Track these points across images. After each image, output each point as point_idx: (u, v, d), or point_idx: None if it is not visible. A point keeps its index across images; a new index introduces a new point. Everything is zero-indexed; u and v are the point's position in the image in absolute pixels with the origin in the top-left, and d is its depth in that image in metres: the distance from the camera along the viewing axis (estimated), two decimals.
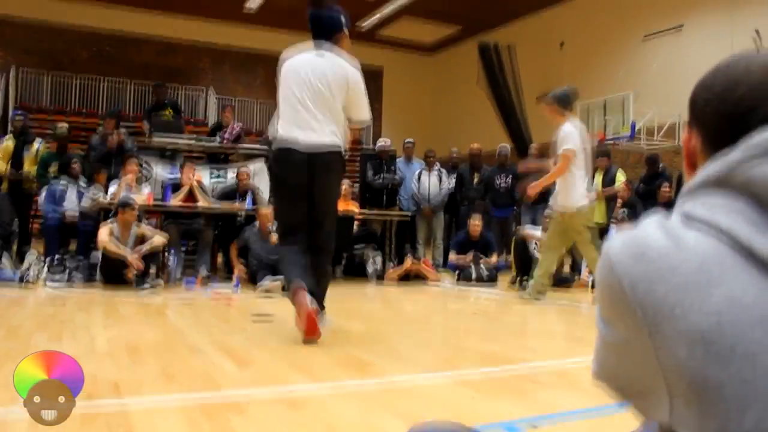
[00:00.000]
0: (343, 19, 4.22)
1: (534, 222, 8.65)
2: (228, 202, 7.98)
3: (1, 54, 15.63)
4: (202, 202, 7.63)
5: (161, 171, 8.88)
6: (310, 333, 3.55)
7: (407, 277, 7.97)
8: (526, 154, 10.95)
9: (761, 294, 0.62)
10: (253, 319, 4.61)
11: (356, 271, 8.22)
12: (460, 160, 10.90)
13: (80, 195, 7.68)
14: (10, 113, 11.59)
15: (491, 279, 8.03)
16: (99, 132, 8.87)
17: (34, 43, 15.85)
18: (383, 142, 10.04)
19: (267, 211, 7.25)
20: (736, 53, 0.82)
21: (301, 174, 3.95)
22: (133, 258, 6.30)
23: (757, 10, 11.39)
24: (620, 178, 9.15)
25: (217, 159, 9.53)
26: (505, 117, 14.91)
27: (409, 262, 7.94)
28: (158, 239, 6.69)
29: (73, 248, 7.63)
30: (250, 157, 9.47)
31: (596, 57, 14.56)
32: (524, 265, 7.65)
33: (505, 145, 10.41)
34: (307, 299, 3.56)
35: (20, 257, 7.32)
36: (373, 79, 18.74)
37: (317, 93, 4.01)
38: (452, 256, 8.56)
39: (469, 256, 8.24)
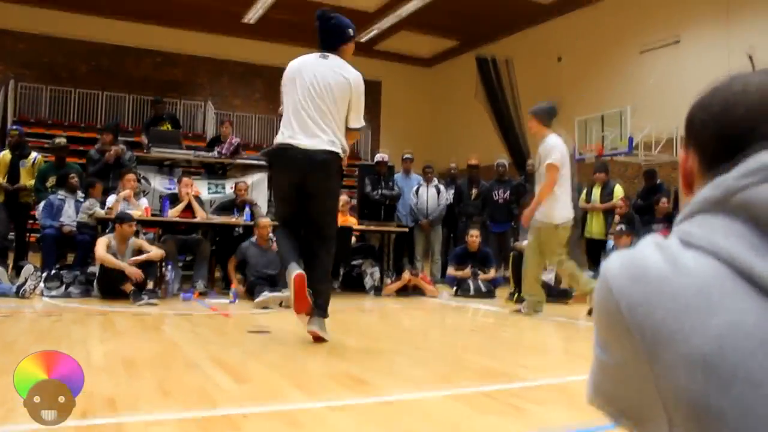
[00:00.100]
0: (350, 31, 4.33)
1: None
2: (226, 216, 7.98)
3: (0, 67, 15.66)
4: (200, 216, 7.63)
5: (159, 184, 8.89)
6: (298, 308, 3.91)
7: (405, 291, 7.96)
8: (524, 168, 10.98)
9: (762, 319, 0.61)
10: (250, 330, 4.60)
11: (354, 285, 8.21)
12: (459, 174, 10.92)
13: (78, 208, 7.68)
14: (8, 126, 11.61)
15: (489, 293, 8.02)
16: (97, 146, 8.88)
17: (33, 56, 15.89)
18: (381, 155, 10.06)
19: (266, 222, 7.25)
20: (732, 73, 0.82)
21: (296, 173, 4.08)
22: (132, 269, 6.30)
23: (753, 23, 11.45)
24: (618, 192, 9.17)
25: (215, 172, 9.53)
26: (503, 130, 14.97)
27: (407, 275, 7.92)
28: (156, 252, 6.70)
29: (70, 261, 7.62)
30: (248, 170, 9.48)
31: (594, 71, 14.61)
32: (522, 280, 7.63)
33: (503, 160, 10.43)
34: (298, 276, 3.87)
35: (17, 270, 7.31)
36: (371, 91, 18.76)
37: (319, 97, 4.11)
38: (450, 270, 8.55)
39: (467, 270, 8.23)
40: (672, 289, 0.65)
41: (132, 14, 16.12)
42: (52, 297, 6.39)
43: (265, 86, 18.21)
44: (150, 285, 6.46)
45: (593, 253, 9.37)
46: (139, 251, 6.58)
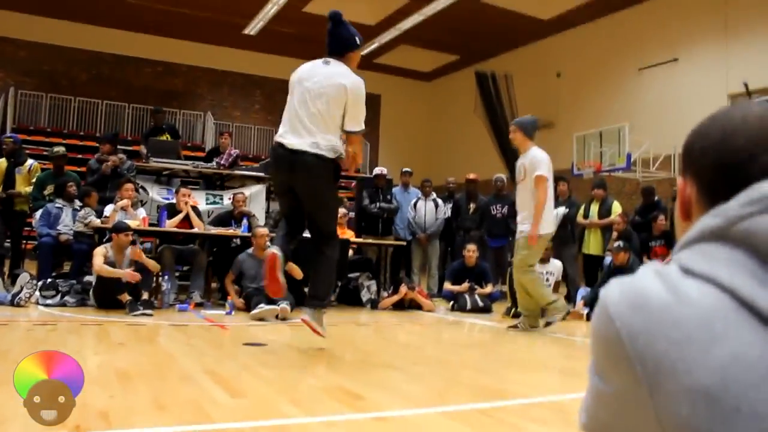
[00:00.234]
0: (358, 39, 4.49)
1: None
2: (223, 227, 7.97)
3: (1, 74, 15.68)
4: (197, 227, 7.62)
5: (157, 194, 8.88)
6: (269, 288, 4.22)
7: (402, 305, 7.94)
8: None
9: (766, 351, 0.61)
10: (245, 343, 4.58)
11: (350, 298, 8.19)
12: (457, 189, 10.93)
13: (75, 216, 7.67)
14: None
15: (486, 309, 8.00)
16: (97, 155, 8.89)
17: (33, 64, 15.92)
18: (380, 169, 10.09)
19: (263, 231, 7.24)
20: (731, 103, 0.82)
21: (283, 171, 4.30)
22: (129, 273, 6.30)
23: (751, 43, 11.52)
24: (616, 209, 9.18)
25: (213, 183, 9.53)
26: (501, 146, 14.98)
27: (403, 290, 7.90)
28: (152, 262, 6.71)
29: (66, 269, 7.60)
30: (246, 181, 9.48)
31: (592, 87, 14.68)
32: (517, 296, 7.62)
33: (501, 175, 10.44)
34: (271, 255, 4.17)
35: (12, 278, 7.28)
36: (370, 105, 18.79)
37: (312, 100, 4.26)
38: (447, 285, 8.54)
39: (464, 285, 8.22)
40: (674, 318, 0.65)
41: (133, 24, 16.18)
42: (47, 306, 6.37)
43: (264, 98, 18.26)
44: (146, 295, 6.44)
45: (590, 269, 9.37)
46: (136, 262, 6.58)
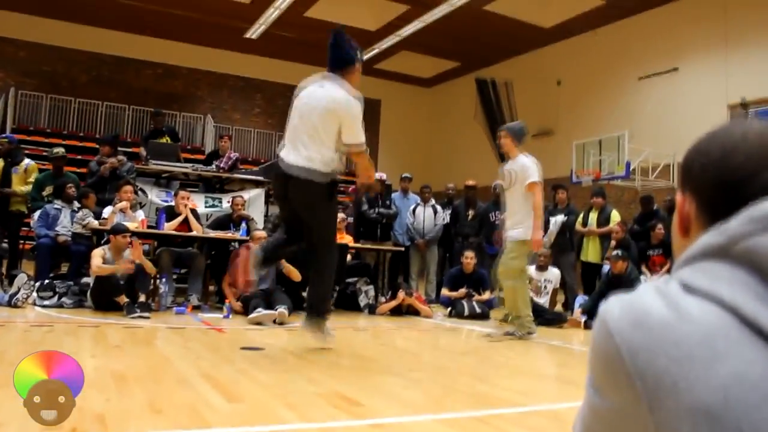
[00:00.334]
0: (357, 54, 4.62)
1: None
2: (222, 230, 7.97)
3: (1, 75, 15.68)
4: (196, 230, 7.62)
5: (155, 197, 8.88)
6: (239, 282, 4.73)
7: (399, 311, 7.93)
8: None
9: (767, 371, 0.61)
10: (243, 347, 4.58)
11: (348, 303, 8.18)
12: (456, 195, 10.93)
13: (74, 218, 7.67)
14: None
15: (483, 315, 8.00)
16: (98, 157, 8.90)
17: (33, 65, 15.92)
18: (379, 174, 10.08)
19: (261, 234, 7.25)
20: (731, 121, 0.82)
21: (279, 186, 4.57)
22: (124, 265, 6.33)
23: (751, 53, 11.55)
24: (615, 217, 9.20)
25: (212, 186, 9.53)
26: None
27: (401, 295, 7.90)
28: (149, 264, 6.72)
29: (64, 271, 7.59)
30: (245, 185, 9.49)
31: (592, 95, 14.70)
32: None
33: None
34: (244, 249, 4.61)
35: (9, 279, 7.27)
36: (370, 110, 18.87)
37: (306, 121, 4.44)
38: (445, 291, 8.54)
39: (462, 291, 8.22)
40: (675, 335, 0.64)
41: (134, 26, 16.19)
42: (44, 307, 6.36)
43: (264, 101, 18.28)
44: (143, 298, 6.44)
45: (588, 277, 9.38)
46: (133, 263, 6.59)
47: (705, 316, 0.65)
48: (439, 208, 10.10)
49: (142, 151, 9.64)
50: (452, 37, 15.58)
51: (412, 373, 4.13)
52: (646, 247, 8.86)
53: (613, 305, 0.71)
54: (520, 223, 6.03)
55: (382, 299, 8.35)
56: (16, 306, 6.18)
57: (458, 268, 8.58)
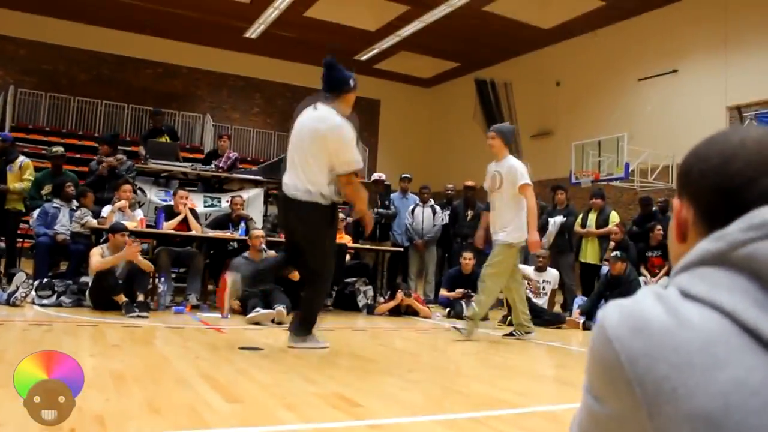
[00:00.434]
0: (352, 82, 4.70)
1: (526, 260, 8.64)
2: (221, 231, 7.97)
3: (0, 73, 15.67)
4: (195, 229, 7.62)
5: (154, 196, 8.88)
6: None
7: (398, 311, 7.93)
8: None
9: (767, 378, 0.61)
10: (241, 347, 4.58)
11: (347, 303, 8.18)
12: (455, 195, 10.94)
13: (73, 217, 7.66)
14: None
15: (483, 316, 7.98)
16: (98, 157, 8.89)
17: (33, 64, 15.92)
18: (378, 175, 10.10)
19: (259, 233, 7.25)
20: (729, 127, 0.82)
21: (280, 209, 4.91)
22: (125, 251, 6.35)
23: (751, 54, 11.56)
24: (614, 219, 9.21)
25: (211, 186, 9.53)
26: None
27: (400, 296, 7.90)
28: (146, 262, 6.71)
29: (63, 269, 7.58)
30: (244, 184, 9.48)
31: (591, 96, 14.71)
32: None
33: (485, 184, 10.44)
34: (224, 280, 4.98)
35: (8, 278, 7.27)
36: (370, 111, 18.88)
37: (299, 145, 4.62)
38: (443, 292, 8.53)
39: (461, 291, 8.22)
40: (675, 342, 0.64)
41: (133, 25, 16.19)
42: (43, 306, 6.36)
43: (264, 101, 18.28)
44: (141, 297, 6.43)
45: (587, 277, 9.39)
46: (132, 262, 6.57)
47: (705, 322, 0.65)
48: (437, 208, 10.10)
49: (142, 150, 9.63)
50: (452, 37, 15.58)
51: (411, 374, 4.14)
52: (645, 248, 8.87)
53: (612, 311, 0.71)
54: (507, 226, 5.99)
55: (381, 299, 8.35)
56: (14, 305, 6.17)
57: (457, 269, 8.58)
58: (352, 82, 4.71)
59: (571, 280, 9.34)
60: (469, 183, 10.33)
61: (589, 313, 7.45)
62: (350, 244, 8.79)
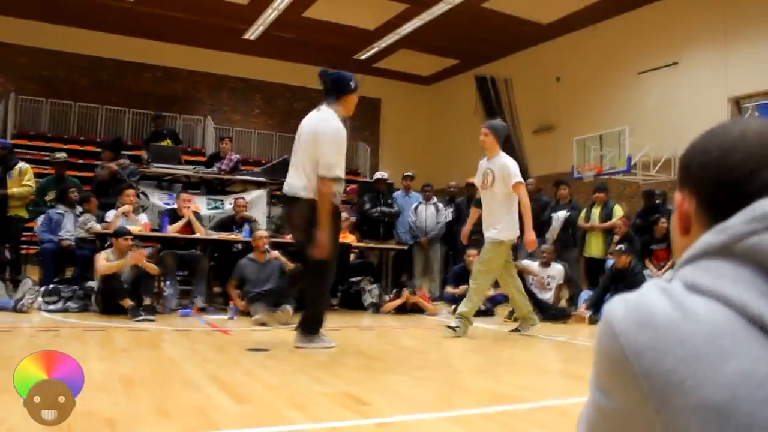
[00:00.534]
0: (353, 83, 4.77)
1: (531, 256, 8.64)
2: (225, 233, 7.98)
3: (1, 80, 15.70)
4: (199, 232, 7.63)
5: (158, 199, 8.89)
6: None
7: (404, 309, 7.94)
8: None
9: None
10: (249, 348, 4.59)
11: (353, 303, 8.20)
12: (458, 193, 10.94)
13: (77, 222, 7.68)
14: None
15: (488, 312, 8.00)
16: (102, 163, 8.91)
17: (33, 70, 15.93)
18: (380, 173, 10.10)
19: (262, 233, 7.27)
20: (729, 119, 0.82)
21: (284, 209, 5.21)
22: (131, 256, 6.35)
23: (751, 46, 11.53)
24: (617, 212, 9.20)
25: (214, 188, 9.54)
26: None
27: (405, 294, 7.91)
28: (151, 266, 6.73)
29: (69, 275, 7.60)
30: (247, 186, 9.49)
31: (592, 91, 14.68)
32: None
33: (474, 180, 10.44)
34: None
35: (14, 285, 7.28)
36: (371, 110, 18.87)
37: (299, 145, 4.76)
38: (449, 289, 8.54)
39: (464, 288, 8.21)
40: (681, 335, 0.64)
41: (133, 29, 16.18)
42: (50, 312, 6.38)
43: (264, 102, 18.27)
44: (148, 301, 6.45)
45: (592, 271, 9.38)
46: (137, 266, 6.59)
47: (710, 314, 0.65)
48: (441, 205, 10.10)
49: (144, 154, 9.65)
50: (451, 34, 15.56)
51: (419, 372, 4.14)
52: (649, 241, 8.87)
53: (617, 305, 0.71)
54: (498, 223, 5.97)
55: (387, 298, 8.36)
56: (21, 311, 6.19)
57: (461, 266, 8.58)
58: (352, 84, 4.76)
59: (576, 274, 9.34)
60: (472, 180, 10.31)
61: (595, 306, 7.45)
62: (354, 243, 8.80)
